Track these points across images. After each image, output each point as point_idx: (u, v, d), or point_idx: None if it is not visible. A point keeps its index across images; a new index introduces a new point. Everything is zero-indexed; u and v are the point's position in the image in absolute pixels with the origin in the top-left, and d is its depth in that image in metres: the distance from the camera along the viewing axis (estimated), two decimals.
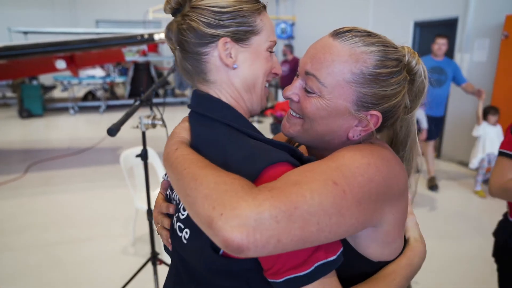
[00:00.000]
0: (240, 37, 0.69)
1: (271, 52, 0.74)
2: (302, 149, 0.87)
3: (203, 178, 0.53)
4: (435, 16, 5.66)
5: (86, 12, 15.35)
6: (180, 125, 0.74)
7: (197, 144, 0.68)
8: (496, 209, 3.64)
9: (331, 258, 0.57)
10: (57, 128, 7.62)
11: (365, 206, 0.57)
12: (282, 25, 10.26)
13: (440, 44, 4.04)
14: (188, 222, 0.67)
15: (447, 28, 5.48)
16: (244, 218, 0.46)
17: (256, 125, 7.56)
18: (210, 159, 0.61)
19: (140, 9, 13.38)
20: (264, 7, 0.74)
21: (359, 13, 7.41)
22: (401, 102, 0.69)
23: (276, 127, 3.79)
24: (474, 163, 4.03)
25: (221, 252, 0.61)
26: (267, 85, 0.77)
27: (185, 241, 0.68)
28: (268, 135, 4.55)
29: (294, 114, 0.72)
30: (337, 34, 0.68)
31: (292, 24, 10.41)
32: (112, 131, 1.05)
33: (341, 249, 0.59)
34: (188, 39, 0.69)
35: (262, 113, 6.93)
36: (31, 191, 4.12)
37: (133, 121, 1.89)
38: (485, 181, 4.04)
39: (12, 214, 3.52)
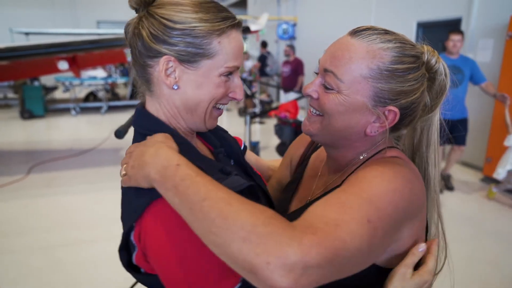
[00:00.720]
0: (187, 59, 0.64)
1: (228, 75, 0.68)
2: (321, 154, 0.86)
3: (234, 216, 0.48)
4: (438, 17, 5.64)
5: (86, 13, 15.37)
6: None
7: None
8: (498, 209, 3.62)
9: None
10: (58, 129, 7.62)
11: (391, 233, 0.60)
12: (283, 25, 10.25)
13: (455, 41, 3.71)
14: None
15: (450, 28, 5.46)
16: (292, 266, 0.45)
17: (257, 126, 7.55)
18: None
19: None
20: (234, 26, 0.66)
21: (361, 13, 7.39)
22: (420, 99, 0.69)
23: (280, 128, 3.77)
24: (501, 173, 3.60)
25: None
26: (222, 107, 0.72)
27: None
28: (272, 136, 4.53)
29: (314, 111, 0.73)
30: (355, 32, 0.69)
31: (294, 25, 10.40)
32: (120, 133, 1.02)
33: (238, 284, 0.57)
34: (136, 46, 0.66)
35: (266, 114, 6.91)
36: (34, 192, 4.11)
37: None
38: (508, 191, 3.89)
39: (14, 216, 3.50)
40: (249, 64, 9.83)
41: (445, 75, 0.71)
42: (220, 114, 0.73)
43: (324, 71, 0.70)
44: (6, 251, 2.84)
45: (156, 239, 0.59)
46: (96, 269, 2.63)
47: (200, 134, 0.81)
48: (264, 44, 9.92)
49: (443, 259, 0.76)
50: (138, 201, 0.61)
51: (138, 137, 0.70)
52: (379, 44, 0.66)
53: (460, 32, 3.78)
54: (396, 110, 0.67)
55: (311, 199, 0.80)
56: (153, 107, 0.70)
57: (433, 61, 0.70)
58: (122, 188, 0.68)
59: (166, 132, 0.67)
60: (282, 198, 0.89)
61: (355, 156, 0.75)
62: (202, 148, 0.79)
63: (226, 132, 0.86)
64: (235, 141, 0.87)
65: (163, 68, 0.64)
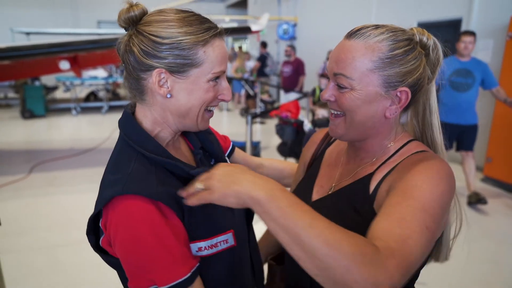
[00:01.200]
0: (177, 70, 0.70)
1: (216, 80, 0.74)
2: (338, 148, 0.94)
3: (337, 246, 0.55)
4: (438, 17, 5.65)
5: (87, 13, 15.37)
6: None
7: None
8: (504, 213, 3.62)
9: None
10: (59, 129, 7.63)
11: (440, 230, 0.70)
12: (284, 26, 10.26)
13: (467, 43, 3.50)
14: None
15: (451, 29, 5.47)
16: None
17: (258, 127, 7.56)
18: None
19: None
20: (216, 35, 0.72)
21: (362, 14, 7.39)
22: (424, 74, 0.77)
23: (281, 128, 3.78)
24: None
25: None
26: (213, 109, 0.79)
27: None
28: (272, 136, 4.54)
29: (335, 112, 0.80)
30: (350, 35, 0.76)
31: (294, 25, 10.41)
32: None
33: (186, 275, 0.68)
34: (129, 62, 0.72)
35: (266, 114, 6.93)
36: (35, 192, 4.12)
37: None
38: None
39: (15, 215, 3.51)
40: (251, 64, 9.83)
41: (437, 48, 0.79)
42: (211, 116, 0.80)
43: (334, 75, 0.77)
44: (6, 251, 2.85)
45: (117, 230, 0.68)
46: (96, 269, 2.63)
47: (184, 134, 0.88)
48: (264, 45, 9.93)
49: (459, 224, 0.85)
50: (107, 192, 0.69)
51: (121, 141, 0.77)
52: (373, 38, 0.74)
53: (472, 33, 3.60)
54: (407, 89, 0.75)
55: (336, 185, 0.86)
56: (142, 113, 0.77)
57: (424, 39, 0.78)
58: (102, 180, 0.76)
59: (154, 150, 0.73)
60: (304, 188, 0.94)
61: (381, 143, 0.82)
62: (183, 148, 0.86)
63: (211, 133, 0.93)
64: (217, 141, 0.94)
65: (156, 80, 0.70)
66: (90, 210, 0.76)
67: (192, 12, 0.73)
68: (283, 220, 0.57)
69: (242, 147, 4.01)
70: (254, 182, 0.61)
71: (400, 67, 0.73)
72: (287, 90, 7.13)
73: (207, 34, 0.70)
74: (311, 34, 9.55)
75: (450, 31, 5.47)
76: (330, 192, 0.86)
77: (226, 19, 11.83)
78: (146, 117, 0.76)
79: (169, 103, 0.73)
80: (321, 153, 0.98)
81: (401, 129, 0.83)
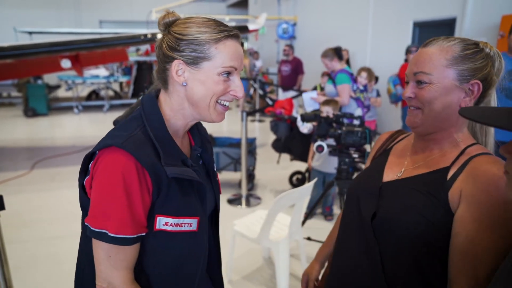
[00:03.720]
0: (192, 62, 0.84)
1: (227, 75, 0.86)
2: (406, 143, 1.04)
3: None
4: (434, 16, 5.73)
5: (90, 13, 15.49)
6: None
7: None
8: None
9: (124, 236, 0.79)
10: (61, 127, 7.74)
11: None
12: (284, 25, 10.34)
13: None
14: None
15: (445, 28, 5.55)
16: None
17: (256, 124, 7.66)
18: None
19: (143, 10, 13.50)
20: (230, 36, 0.85)
21: (360, 13, 7.48)
22: (491, 72, 0.88)
23: (275, 124, 3.86)
24: None
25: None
26: (226, 103, 0.90)
27: None
28: (270, 134, 4.63)
29: (413, 108, 0.92)
30: (426, 44, 0.90)
31: (294, 24, 10.49)
32: (118, 122, 1.12)
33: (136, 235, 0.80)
34: (159, 55, 0.88)
35: (262, 111, 7.02)
36: (37, 187, 4.24)
37: None
38: None
39: (19, 209, 3.62)
40: (258, 64, 9.81)
41: (500, 57, 0.90)
42: (225, 110, 0.91)
43: (414, 75, 0.90)
44: (11, 242, 2.95)
45: (100, 173, 0.80)
46: None
47: (190, 131, 1.01)
48: (241, 44, 10.10)
49: None
50: (108, 140, 0.81)
51: (137, 112, 0.90)
52: (446, 43, 0.87)
53: None
54: (478, 82, 0.86)
55: (405, 171, 0.97)
56: (163, 99, 0.91)
57: (487, 49, 0.88)
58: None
59: (154, 115, 0.87)
60: (374, 171, 1.05)
61: (451, 136, 0.91)
62: (185, 142, 0.99)
63: (209, 142, 1.08)
64: (211, 149, 1.07)
65: (175, 69, 0.85)
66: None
67: (213, 19, 0.87)
68: None
69: (238, 143, 4.10)
70: None
71: (471, 63, 0.85)
72: (286, 88, 7.22)
73: (219, 34, 0.83)
74: (311, 33, 9.64)
75: (445, 30, 5.56)
76: (399, 177, 0.96)
77: (226, 19, 11.93)
78: (166, 102, 0.90)
79: (185, 92, 0.86)
80: (390, 148, 1.09)
81: (467, 130, 0.93)
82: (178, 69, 0.84)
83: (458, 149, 0.89)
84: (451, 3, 5.34)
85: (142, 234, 0.82)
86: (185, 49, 0.83)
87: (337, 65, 3.79)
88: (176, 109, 0.89)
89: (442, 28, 5.65)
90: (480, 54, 0.86)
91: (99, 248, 0.80)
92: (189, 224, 0.87)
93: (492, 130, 0.96)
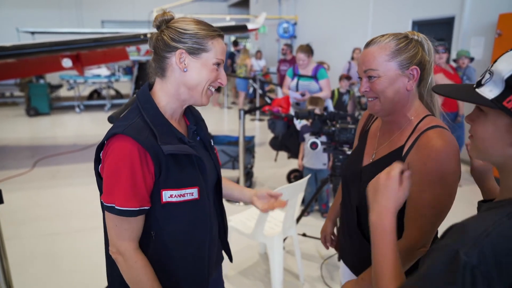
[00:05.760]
0: (193, 52, 1.00)
1: (218, 66, 1.04)
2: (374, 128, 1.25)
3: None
4: (433, 15, 5.76)
5: (91, 13, 15.57)
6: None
7: None
8: None
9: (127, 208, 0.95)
10: (63, 126, 7.80)
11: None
12: (284, 24, 10.37)
13: None
14: None
15: (444, 26, 5.57)
16: None
17: (257, 123, 7.69)
18: None
19: (144, 10, 13.57)
20: (220, 35, 1.04)
21: (360, 12, 7.50)
22: (423, 55, 1.08)
23: (272, 122, 3.90)
24: None
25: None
26: (213, 89, 1.07)
27: None
28: (267, 131, 4.66)
29: (372, 98, 1.10)
30: (367, 45, 1.09)
31: (295, 24, 10.52)
32: (113, 119, 1.14)
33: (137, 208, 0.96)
34: (159, 46, 1.02)
35: (260, 109, 7.03)
36: (38, 184, 4.29)
37: None
38: None
39: (21, 206, 3.68)
40: (262, 63, 9.77)
41: (427, 41, 1.09)
42: (211, 95, 1.08)
43: (364, 72, 1.08)
44: (13, 237, 3.01)
45: (108, 157, 0.96)
46: (97, 256, 2.78)
47: (185, 114, 1.16)
48: (235, 43, 10.19)
49: None
50: (113, 130, 0.96)
51: (135, 104, 1.04)
52: (383, 42, 1.06)
53: None
54: (416, 67, 1.05)
55: (376, 153, 1.18)
56: (159, 87, 1.04)
57: (415, 36, 1.08)
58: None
59: (149, 105, 1.02)
60: (356, 156, 1.26)
61: (405, 115, 1.10)
62: (182, 123, 1.14)
63: (203, 120, 1.22)
64: (205, 126, 1.22)
65: (178, 57, 1.00)
66: (89, 202, 0.96)
67: (203, 20, 1.06)
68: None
69: (236, 141, 4.14)
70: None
71: (406, 53, 1.04)
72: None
73: (213, 32, 1.02)
74: (311, 33, 9.66)
75: (444, 29, 5.58)
76: (372, 160, 1.17)
77: (227, 18, 11.97)
78: (162, 89, 1.04)
79: (184, 77, 1.01)
80: (368, 128, 1.30)
81: (419, 104, 1.11)
82: (180, 57, 0.99)
83: (412, 126, 1.08)
84: (450, 2, 5.36)
85: (145, 208, 0.98)
86: (188, 41, 0.99)
87: (312, 61, 3.91)
88: (172, 93, 1.03)
89: (441, 26, 5.67)
90: (411, 43, 1.06)
91: (109, 219, 0.98)
92: (191, 193, 1.02)
93: (439, 101, 1.15)
